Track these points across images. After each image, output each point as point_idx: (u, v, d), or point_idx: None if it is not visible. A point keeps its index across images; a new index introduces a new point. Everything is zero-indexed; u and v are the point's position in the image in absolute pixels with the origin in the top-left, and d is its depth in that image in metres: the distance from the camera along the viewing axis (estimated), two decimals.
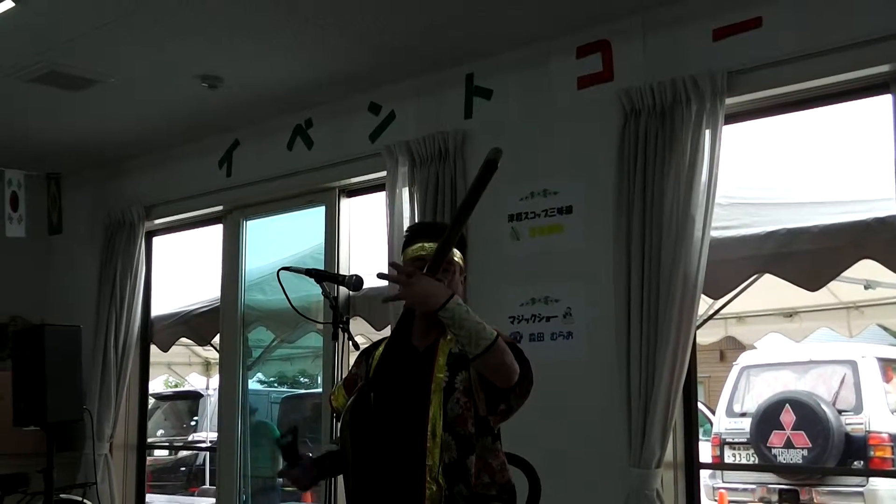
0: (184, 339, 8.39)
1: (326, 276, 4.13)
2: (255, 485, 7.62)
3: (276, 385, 12.47)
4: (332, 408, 3.66)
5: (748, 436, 9.89)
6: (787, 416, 9.49)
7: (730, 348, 12.49)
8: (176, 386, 17.10)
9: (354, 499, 3.20)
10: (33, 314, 8.00)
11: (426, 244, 3.28)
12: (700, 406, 10.14)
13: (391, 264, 3.14)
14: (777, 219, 5.16)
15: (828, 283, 5.20)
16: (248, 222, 7.07)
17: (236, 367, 6.98)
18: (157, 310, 8.04)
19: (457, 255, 3.32)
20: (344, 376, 3.66)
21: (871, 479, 9.20)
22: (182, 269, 10.58)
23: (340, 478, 3.42)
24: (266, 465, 9.15)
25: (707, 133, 4.58)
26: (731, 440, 10.26)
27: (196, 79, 5.98)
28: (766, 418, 9.65)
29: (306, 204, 6.66)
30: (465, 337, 2.93)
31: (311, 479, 3.47)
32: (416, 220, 5.51)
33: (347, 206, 6.45)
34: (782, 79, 4.51)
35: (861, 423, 9.28)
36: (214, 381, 11.99)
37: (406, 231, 3.51)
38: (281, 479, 8.41)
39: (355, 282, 4.08)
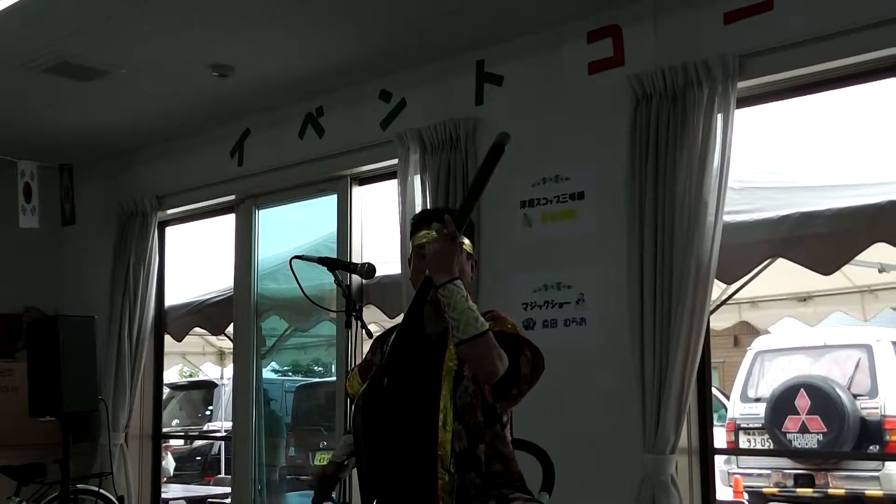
0: (198, 329, 8.41)
1: (338, 264, 4.14)
2: (270, 474, 7.65)
3: (290, 374, 12.50)
4: (347, 394, 3.68)
5: (763, 421, 9.89)
6: (802, 401, 9.48)
7: (744, 333, 12.48)
8: (190, 375, 17.16)
9: (367, 486, 3.21)
10: (47, 305, 8.03)
11: (431, 230, 3.29)
12: (715, 391, 10.12)
13: (446, 220, 3.12)
14: (790, 202, 5.13)
15: (841, 266, 5.19)
16: (260, 211, 7.07)
17: (250, 356, 6.99)
18: (170, 300, 8.06)
19: (464, 241, 3.32)
20: (359, 363, 3.67)
21: (886, 463, 9.19)
22: (195, 258, 10.62)
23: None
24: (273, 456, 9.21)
25: (719, 117, 4.56)
26: (745, 425, 10.26)
27: (207, 68, 5.98)
28: (781, 403, 9.64)
29: (318, 192, 6.65)
30: (455, 320, 2.97)
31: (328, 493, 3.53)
32: (428, 207, 5.51)
33: (359, 194, 6.45)
34: (794, 62, 4.48)
35: (876, 408, 9.27)
36: (229, 370, 12.03)
37: (411, 220, 3.51)
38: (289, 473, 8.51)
39: (367, 269, 4.08)
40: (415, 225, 3.42)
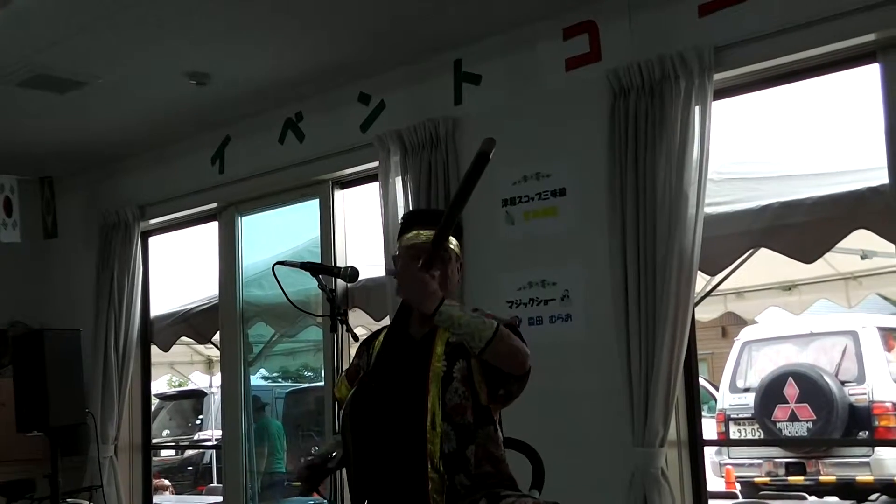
0: (185, 338, 8.38)
1: (321, 268, 4.13)
2: (262, 480, 7.64)
3: (279, 380, 12.50)
4: (335, 398, 3.67)
5: (752, 411, 9.91)
6: (791, 390, 9.52)
7: (731, 324, 12.51)
8: (179, 385, 17.14)
9: (357, 490, 3.20)
10: (32, 319, 7.99)
11: (421, 231, 3.28)
12: (704, 383, 10.13)
13: (392, 258, 3.13)
14: (770, 192, 5.16)
15: (823, 254, 5.21)
16: (242, 218, 7.06)
17: (238, 363, 6.97)
18: (156, 310, 8.03)
19: (452, 242, 3.31)
20: (346, 367, 3.66)
21: (876, 448, 9.23)
22: (179, 267, 10.60)
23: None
24: (278, 461, 9.19)
25: (697, 109, 4.57)
26: (735, 416, 10.29)
27: (184, 76, 5.96)
28: (770, 392, 9.68)
29: (300, 197, 6.65)
30: (467, 335, 2.94)
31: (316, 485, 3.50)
32: (411, 209, 5.50)
33: (341, 197, 6.44)
34: (770, 52, 4.49)
35: (864, 394, 9.32)
36: (217, 378, 12.01)
37: (401, 219, 3.50)
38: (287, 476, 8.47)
39: (350, 273, 4.07)
40: (404, 225, 3.41)
